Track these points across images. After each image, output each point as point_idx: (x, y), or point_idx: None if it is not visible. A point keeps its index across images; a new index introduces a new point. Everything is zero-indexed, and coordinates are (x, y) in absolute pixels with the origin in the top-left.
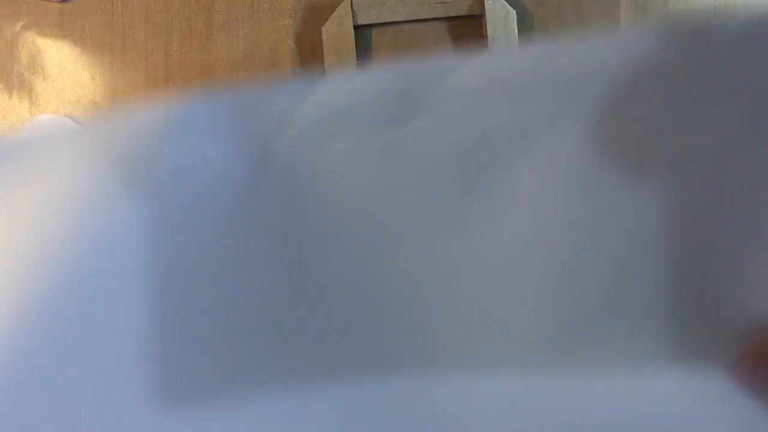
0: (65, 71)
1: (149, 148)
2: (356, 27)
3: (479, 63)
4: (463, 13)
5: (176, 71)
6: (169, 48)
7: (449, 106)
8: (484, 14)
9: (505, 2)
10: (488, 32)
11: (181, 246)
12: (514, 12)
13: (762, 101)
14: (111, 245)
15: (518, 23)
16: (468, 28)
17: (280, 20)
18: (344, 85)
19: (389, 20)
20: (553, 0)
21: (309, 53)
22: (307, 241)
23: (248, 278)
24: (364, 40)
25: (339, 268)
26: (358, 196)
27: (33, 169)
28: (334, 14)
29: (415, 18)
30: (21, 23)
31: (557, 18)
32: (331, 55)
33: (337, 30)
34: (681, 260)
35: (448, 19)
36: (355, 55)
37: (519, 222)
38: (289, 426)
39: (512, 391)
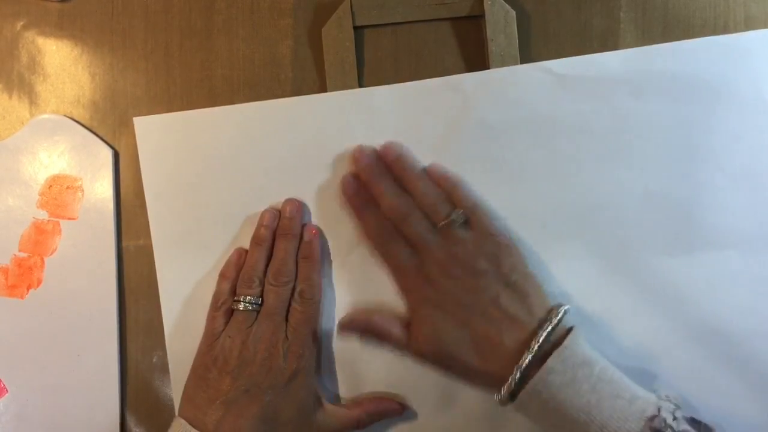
0: (65, 71)
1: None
2: (356, 28)
3: None
4: (463, 14)
5: (176, 71)
6: (169, 48)
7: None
8: (484, 15)
9: (504, 3)
10: (488, 33)
11: None
12: (514, 13)
13: None
14: None
15: (518, 24)
16: (468, 29)
17: (280, 20)
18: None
19: (389, 21)
20: (552, 0)
21: (309, 53)
22: None
23: None
24: (364, 41)
25: None
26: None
27: None
28: (334, 15)
29: (414, 19)
30: (21, 23)
31: (557, 18)
32: (330, 56)
33: (337, 31)
34: None
35: (447, 20)
36: (354, 55)
37: None
38: None
39: None
